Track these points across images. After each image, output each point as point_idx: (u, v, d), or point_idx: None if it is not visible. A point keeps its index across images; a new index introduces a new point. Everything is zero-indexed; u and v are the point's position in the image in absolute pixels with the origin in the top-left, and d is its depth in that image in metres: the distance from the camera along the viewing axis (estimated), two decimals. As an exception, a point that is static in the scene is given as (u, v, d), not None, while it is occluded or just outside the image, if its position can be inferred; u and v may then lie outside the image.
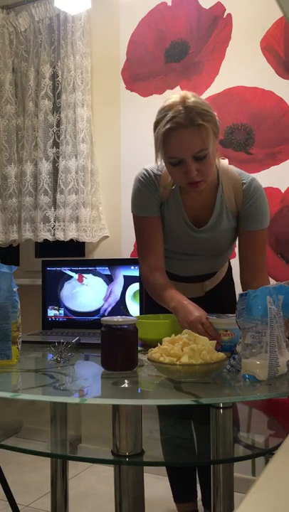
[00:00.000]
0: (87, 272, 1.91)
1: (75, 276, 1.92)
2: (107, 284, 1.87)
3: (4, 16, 2.82)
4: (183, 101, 1.32)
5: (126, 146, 2.62)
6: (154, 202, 1.50)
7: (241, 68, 2.31)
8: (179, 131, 1.31)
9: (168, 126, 1.31)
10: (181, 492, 1.89)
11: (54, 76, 2.74)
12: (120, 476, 0.99)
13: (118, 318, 1.12)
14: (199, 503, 1.87)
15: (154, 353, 1.05)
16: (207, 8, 2.39)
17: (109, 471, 2.29)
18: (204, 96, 2.37)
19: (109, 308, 1.86)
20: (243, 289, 1.47)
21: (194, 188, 1.39)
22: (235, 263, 1.70)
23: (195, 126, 1.30)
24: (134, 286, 1.84)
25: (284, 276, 2.17)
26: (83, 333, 1.68)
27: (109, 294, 1.86)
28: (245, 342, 1.03)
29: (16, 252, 3.04)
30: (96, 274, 1.89)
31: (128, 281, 1.85)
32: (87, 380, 1.14)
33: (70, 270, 1.93)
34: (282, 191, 2.22)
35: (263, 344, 1.00)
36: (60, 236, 2.65)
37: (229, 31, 2.34)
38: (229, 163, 1.54)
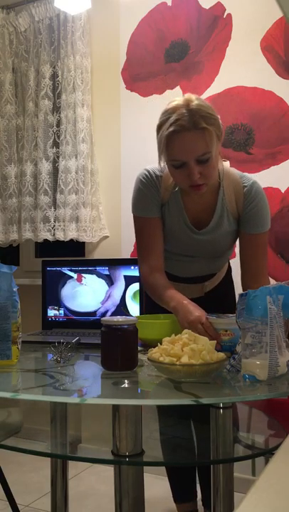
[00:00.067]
0: (87, 271, 1.91)
1: (75, 276, 1.92)
2: (107, 284, 1.87)
3: (4, 16, 2.82)
4: (187, 103, 1.31)
5: (126, 146, 2.62)
6: (154, 203, 1.50)
7: (241, 68, 2.31)
8: (182, 134, 1.31)
9: (171, 128, 1.31)
10: (181, 492, 1.89)
11: (54, 76, 2.74)
12: (120, 476, 0.99)
13: (118, 318, 1.12)
14: (199, 503, 1.87)
15: (154, 353, 1.05)
16: (207, 8, 2.39)
17: (109, 471, 2.29)
18: (204, 96, 2.37)
19: (108, 313, 1.86)
20: (244, 291, 1.47)
21: (196, 191, 1.39)
22: (235, 263, 1.70)
23: (198, 129, 1.30)
24: (134, 286, 1.84)
25: (284, 276, 2.17)
26: (83, 333, 1.68)
27: (108, 297, 1.86)
28: (245, 342, 1.03)
29: (16, 252, 3.04)
30: (96, 274, 1.89)
31: (128, 281, 1.85)
32: (87, 380, 1.14)
33: (70, 270, 1.93)
34: (282, 191, 2.22)
35: (263, 344, 1.00)
36: (60, 236, 2.65)
37: (229, 31, 2.34)
38: (229, 163, 1.54)
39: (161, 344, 1.08)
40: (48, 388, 1.04)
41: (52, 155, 2.71)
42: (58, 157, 2.70)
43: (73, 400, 1.04)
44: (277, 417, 1.52)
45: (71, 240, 2.65)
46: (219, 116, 1.36)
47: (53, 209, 2.70)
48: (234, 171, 1.52)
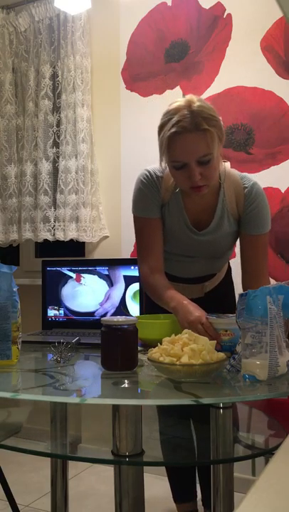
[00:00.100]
0: (87, 271, 1.91)
1: (74, 276, 1.92)
2: (107, 284, 1.87)
3: (4, 16, 2.82)
4: (188, 105, 1.31)
5: (126, 146, 2.62)
6: (155, 203, 1.50)
7: (241, 68, 2.31)
8: (184, 136, 1.31)
9: (173, 130, 1.31)
10: (181, 492, 1.89)
11: (54, 76, 2.74)
12: (120, 476, 0.99)
13: (118, 318, 1.12)
14: (199, 503, 1.87)
15: (154, 353, 1.05)
16: (207, 8, 2.39)
17: (109, 471, 2.29)
18: (204, 96, 2.37)
19: (108, 314, 1.86)
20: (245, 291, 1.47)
21: (197, 192, 1.39)
22: (235, 263, 1.70)
23: (200, 130, 1.30)
24: (134, 286, 1.84)
25: (284, 276, 2.17)
26: (83, 333, 1.68)
27: (107, 299, 1.86)
28: (245, 342, 1.03)
29: (16, 252, 3.04)
30: (97, 274, 1.89)
31: (128, 281, 1.85)
32: (87, 380, 1.14)
33: (70, 270, 1.93)
34: (282, 191, 2.22)
35: (263, 344, 1.00)
36: (60, 236, 2.66)
37: (229, 31, 2.34)
38: (229, 164, 1.54)
39: (161, 344, 1.08)
40: (48, 388, 1.04)
41: (52, 155, 2.71)
42: (58, 157, 2.70)
43: (73, 399, 1.04)
44: (277, 417, 1.52)
45: (71, 240, 2.65)
46: (221, 118, 1.36)
47: (53, 209, 2.70)
48: (234, 171, 1.52)
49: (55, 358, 1.24)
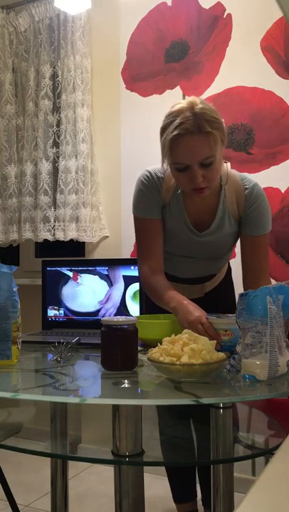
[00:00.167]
0: (87, 272, 1.91)
1: (71, 275, 1.92)
2: (107, 284, 1.87)
3: (4, 16, 2.82)
4: (191, 107, 1.31)
5: (126, 146, 2.62)
6: (155, 204, 1.50)
7: (241, 68, 2.31)
8: (186, 138, 1.30)
9: (176, 132, 1.31)
10: (181, 492, 1.89)
11: (54, 76, 2.74)
12: (120, 476, 0.99)
13: (118, 318, 1.12)
14: (199, 502, 1.87)
15: (154, 353, 1.05)
16: (207, 8, 2.39)
17: (109, 471, 2.29)
18: (204, 96, 2.37)
19: (107, 314, 1.86)
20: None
21: (199, 194, 1.39)
22: (235, 263, 1.70)
23: (203, 133, 1.30)
24: (134, 287, 1.84)
25: (284, 276, 2.17)
26: (83, 333, 1.68)
27: (107, 299, 1.86)
28: (245, 342, 1.03)
29: (16, 252, 3.04)
30: (96, 274, 1.89)
31: (128, 281, 1.85)
32: (87, 380, 1.14)
33: (70, 270, 1.93)
34: (282, 191, 2.22)
35: (263, 344, 1.00)
36: (60, 236, 2.66)
37: (229, 31, 2.34)
38: (230, 164, 1.54)
39: (161, 344, 1.08)
40: (48, 388, 1.04)
41: (52, 155, 2.71)
42: (58, 157, 2.70)
43: (73, 399, 1.04)
44: (277, 417, 1.52)
45: (71, 240, 2.65)
46: (223, 120, 1.36)
47: (53, 209, 2.70)
48: (235, 172, 1.52)
49: (55, 358, 1.24)
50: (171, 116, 1.34)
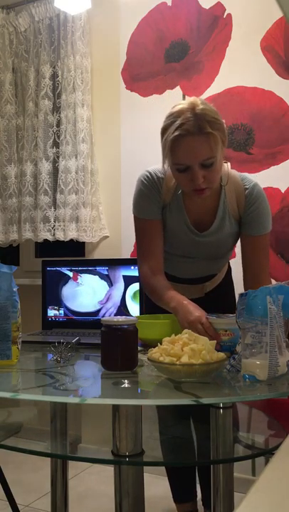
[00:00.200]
0: (87, 271, 1.91)
1: (71, 275, 1.92)
2: (107, 284, 1.87)
3: (4, 16, 2.82)
4: (192, 107, 1.31)
5: (126, 146, 2.62)
6: (156, 205, 1.50)
7: (241, 68, 2.31)
8: (187, 139, 1.30)
9: (176, 133, 1.30)
10: (181, 492, 1.89)
11: (54, 76, 2.74)
12: (120, 476, 0.99)
13: (118, 318, 1.12)
14: (199, 503, 1.87)
15: (154, 353, 1.05)
16: (207, 8, 2.39)
17: (109, 471, 2.29)
18: (204, 96, 2.37)
19: (107, 314, 1.86)
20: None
21: (199, 195, 1.39)
22: (235, 263, 1.70)
23: (204, 134, 1.30)
24: (134, 286, 1.84)
25: (284, 276, 2.17)
26: (83, 333, 1.68)
27: (107, 299, 1.86)
28: (245, 342, 1.03)
29: (16, 252, 3.04)
30: (96, 274, 1.89)
31: (128, 281, 1.85)
32: (87, 380, 1.14)
33: (70, 270, 1.93)
34: (282, 191, 2.22)
35: (263, 344, 1.00)
36: (60, 236, 2.66)
37: (229, 31, 2.34)
38: (230, 164, 1.54)
39: (161, 344, 1.08)
40: (48, 388, 1.04)
41: (52, 155, 2.71)
42: (58, 157, 2.70)
43: (73, 399, 1.04)
44: (277, 417, 1.52)
45: (71, 240, 2.65)
46: (224, 121, 1.36)
47: (53, 209, 2.70)
48: (235, 172, 1.52)
49: (55, 358, 1.24)
50: (172, 117, 1.33)
